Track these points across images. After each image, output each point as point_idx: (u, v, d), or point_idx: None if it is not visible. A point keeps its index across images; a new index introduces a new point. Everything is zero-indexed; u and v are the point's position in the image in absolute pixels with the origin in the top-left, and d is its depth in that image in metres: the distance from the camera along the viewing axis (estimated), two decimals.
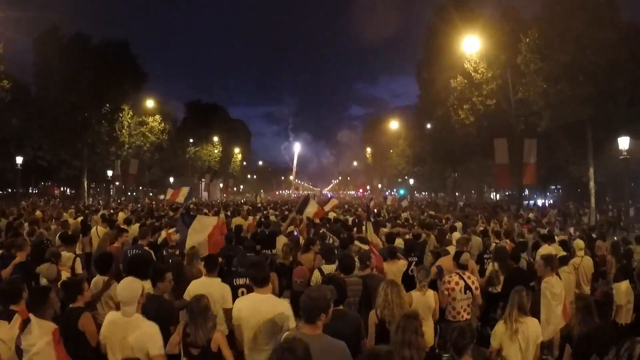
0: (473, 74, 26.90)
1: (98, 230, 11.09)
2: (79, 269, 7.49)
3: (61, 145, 36.76)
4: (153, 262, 6.51)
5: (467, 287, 6.38)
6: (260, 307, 4.35)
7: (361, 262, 6.59)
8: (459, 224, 14.67)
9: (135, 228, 10.73)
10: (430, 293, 6.06)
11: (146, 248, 8.30)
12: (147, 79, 43.30)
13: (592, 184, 21.84)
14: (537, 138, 24.95)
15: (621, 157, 18.46)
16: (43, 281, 6.13)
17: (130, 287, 4.26)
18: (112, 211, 18.58)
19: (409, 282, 6.90)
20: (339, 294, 4.37)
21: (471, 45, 26.38)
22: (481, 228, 13.56)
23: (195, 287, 5.54)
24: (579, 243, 8.86)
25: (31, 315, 4.19)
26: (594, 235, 12.47)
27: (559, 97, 19.79)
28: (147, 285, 5.04)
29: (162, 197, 29.19)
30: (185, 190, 18.96)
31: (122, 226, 10.72)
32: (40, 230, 11.45)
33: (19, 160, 29.97)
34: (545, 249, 8.84)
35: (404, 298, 4.97)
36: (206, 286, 5.50)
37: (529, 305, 5.13)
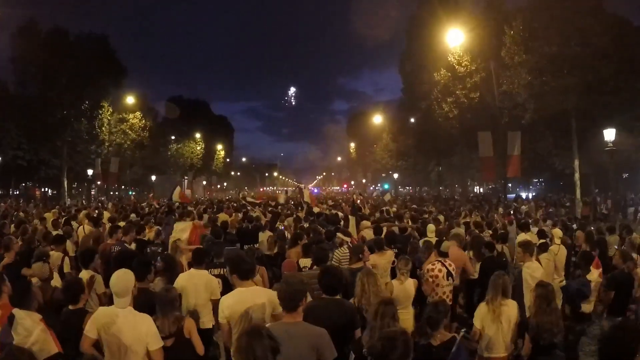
0: (457, 67, 26.81)
1: (85, 229, 11.07)
2: (67, 268, 7.42)
3: (40, 143, 35.85)
4: (137, 257, 6.45)
5: (449, 274, 6.76)
6: (250, 299, 4.32)
7: (354, 254, 6.74)
8: (441, 217, 14.86)
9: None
10: (410, 282, 6.36)
11: (127, 245, 8.30)
12: (127, 75, 42.36)
13: (577, 175, 21.87)
14: (520, 130, 24.93)
15: (606, 148, 18.43)
16: (33, 280, 5.86)
17: (125, 277, 4.22)
18: (96, 210, 18.36)
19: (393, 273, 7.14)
20: (337, 283, 4.52)
21: (455, 37, 26.22)
22: (464, 220, 13.77)
23: (183, 279, 5.67)
24: (557, 232, 9.37)
25: (16, 310, 4.14)
26: (574, 226, 12.75)
27: (543, 88, 19.75)
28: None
29: (151, 195, 28.51)
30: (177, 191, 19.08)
31: (106, 224, 11.26)
32: (30, 228, 11.27)
33: None
34: (521, 237, 9.23)
35: (379, 287, 5.08)
36: (194, 278, 5.69)
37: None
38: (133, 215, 14.51)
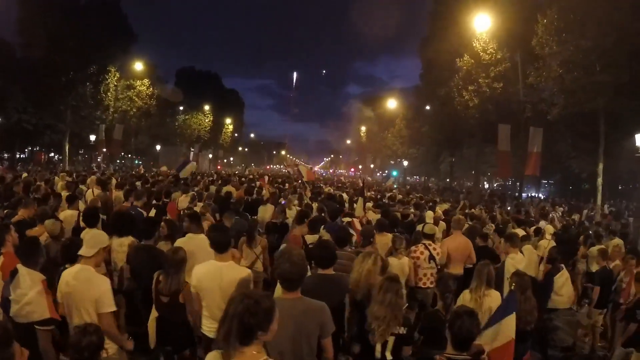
0: (481, 54, 25.32)
1: (94, 192, 11.34)
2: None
3: (44, 107, 34.85)
4: (135, 220, 6.65)
5: (432, 257, 7.02)
6: (221, 274, 4.32)
7: (364, 238, 6.75)
8: (445, 205, 15.31)
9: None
10: (405, 260, 6.71)
11: (139, 209, 8.63)
12: (137, 41, 41.22)
13: (599, 180, 20.49)
14: (542, 127, 23.60)
15: (637, 154, 17.12)
16: (42, 237, 5.91)
17: (96, 234, 4.51)
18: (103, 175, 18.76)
19: None
20: (329, 257, 4.54)
21: (481, 23, 24.73)
22: (462, 212, 13.50)
23: (182, 242, 5.77)
24: (549, 228, 10.10)
25: (20, 266, 4.20)
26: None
27: (574, 84, 18.33)
28: (128, 241, 5.87)
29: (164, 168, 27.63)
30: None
31: (113, 190, 11.69)
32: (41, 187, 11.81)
33: None
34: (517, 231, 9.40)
35: (376, 267, 4.88)
36: (192, 240, 5.80)
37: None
38: (138, 183, 14.65)
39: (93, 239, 4.31)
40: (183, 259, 4.71)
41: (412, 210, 12.53)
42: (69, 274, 4.10)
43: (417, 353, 4.62)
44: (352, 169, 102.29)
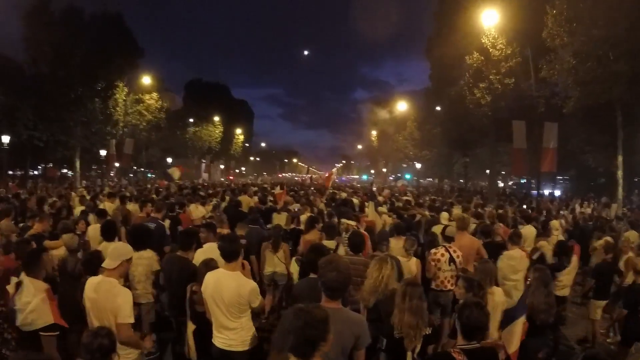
0: (491, 50, 24.75)
1: (106, 206, 11.36)
2: None
3: (52, 123, 34.93)
4: (152, 233, 7.06)
5: (452, 260, 6.90)
6: (226, 283, 4.35)
7: (379, 242, 7.20)
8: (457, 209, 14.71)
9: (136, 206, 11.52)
10: (413, 260, 6.91)
11: (160, 221, 8.73)
12: (144, 55, 41.31)
13: (620, 173, 19.72)
14: (557, 121, 22.97)
15: None
16: (56, 252, 6.32)
17: (122, 247, 4.67)
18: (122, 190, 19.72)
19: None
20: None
21: (489, 18, 24.18)
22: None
23: (201, 252, 6.01)
24: (555, 224, 10.27)
25: (24, 276, 4.45)
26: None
27: (588, 75, 17.66)
28: (147, 254, 6.02)
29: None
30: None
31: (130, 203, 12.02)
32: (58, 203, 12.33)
33: (6, 139, 29.58)
34: (523, 229, 9.67)
35: (390, 273, 4.86)
36: (211, 249, 5.79)
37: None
38: (154, 196, 15.06)
39: (116, 250, 4.47)
40: (214, 267, 4.80)
41: (427, 212, 12.59)
42: (91, 285, 4.25)
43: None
44: (328, 174, 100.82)
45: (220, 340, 4.42)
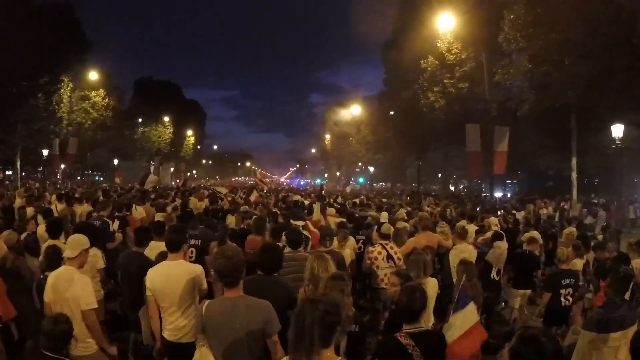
0: (446, 54, 25.04)
1: (57, 208, 11.47)
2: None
3: None
4: (96, 230, 7.16)
5: (390, 257, 7.04)
6: (173, 272, 4.36)
7: (322, 238, 6.84)
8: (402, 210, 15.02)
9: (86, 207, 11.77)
10: (347, 252, 7.35)
11: (105, 219, 8.80)
12: (92, 49, 39.36)
13: (574, 175, 20.24)
14: (510, 125, 23.44)
15: (614, 145, 16.85)
16: None
17: (79, 237, 4.69)
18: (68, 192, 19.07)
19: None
20: (273, 261, 4.54)
21: (445, 22, 24.44)
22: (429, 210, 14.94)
23: (148, 250, 6.06)
24: (493, 220, 11.41)
25: None
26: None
27: (545, 79, 17.98)
28: (92, 252, 5.42)
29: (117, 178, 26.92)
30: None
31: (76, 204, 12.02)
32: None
33: None
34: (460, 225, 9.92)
35: (332, 272, 4.66)
36: (159, 247, 5.75)
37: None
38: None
39: (75, 241, 4.59)
40: None
41: (374, 213, 13.08)
42: (53, 276, 4.39)
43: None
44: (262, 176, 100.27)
45: (171, 332, 4.39)
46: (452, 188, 56.95)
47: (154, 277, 4.40)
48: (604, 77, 17.72)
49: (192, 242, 7.18)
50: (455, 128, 27.00)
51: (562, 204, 24.08)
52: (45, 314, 4.26)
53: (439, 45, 25.18)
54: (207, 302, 3.59)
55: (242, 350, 3.37)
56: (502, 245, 8.27)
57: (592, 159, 21.58)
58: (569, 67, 17.51)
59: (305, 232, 7.54)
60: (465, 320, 4.28)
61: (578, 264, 7.69)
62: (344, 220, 10.13)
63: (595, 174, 36.77)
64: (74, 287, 4.25)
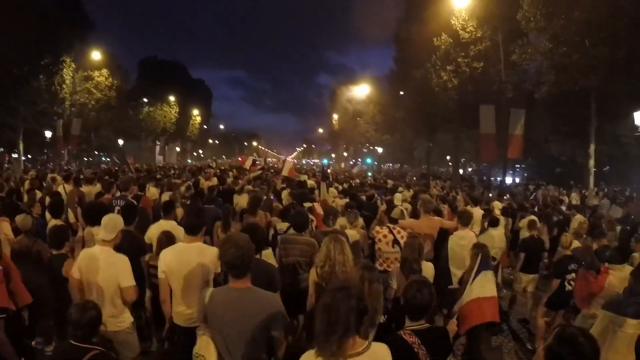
0: (460, 32, 23.96)
1: (65, 189, 11.43)
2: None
3: None
4: (108, 210, 6.49)
5: (396, 242, 6.74)
6: (188, 256, 4.24)
7: (326, 217, 6.86)
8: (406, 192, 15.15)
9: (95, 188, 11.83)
10: (353, 231, 7.07)
11: (130, 199, 8.75)
12: (94, 29, 38.59)
13: (591, 162, 19.24)
14: (525, 108, 22.52)
15: (636, 134, 15.96)
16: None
17: (115, 219, 4.72)
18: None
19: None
20: (260, 242, 4.59)
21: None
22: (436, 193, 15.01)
23: (155, 227, 6.36)
24: (497, 204, 11.81)
25: None
26: None
27: (564, 60, 16.91)
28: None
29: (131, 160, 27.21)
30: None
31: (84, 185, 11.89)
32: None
33: None
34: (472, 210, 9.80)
35: (347, 255, 4.57)
36: (162, 227, 6.06)
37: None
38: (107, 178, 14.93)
39: (111, 223, 4.59)
40: (173, 238, 5.24)
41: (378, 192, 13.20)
42: (87, 256, 4.43)
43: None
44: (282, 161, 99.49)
45: (185, 317, 4.29)
46: (461, 171, 56.15)
47: (170, 259, 4.29)
48: (626, 62, 16.62)
49: None
50: (467, 110, 26.10)
51: (584, 192, 23.39)
52: (73, 293, 4.47)
53: (453, 22, 24.09)
54: (210, 290, 3.48)
55: (246, 342, 3.26)
56: (494, 232, 8.43)
57: (606, 147, 20.56)
58: (590, 50, 16.40)
59: (310, 216, 7.48)
60: (484, 284, 4.49)
61: (575, 244, 7.84)
62: (350, 201, 10.20)
63: (608, 162, 35.84)
64: (112, 266, 4.37)
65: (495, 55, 24.01)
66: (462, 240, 7.02)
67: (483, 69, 24.16)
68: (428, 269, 5.38)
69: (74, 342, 3.37)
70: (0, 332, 4.31)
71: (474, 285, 4.64)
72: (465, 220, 7.51)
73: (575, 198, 20.81)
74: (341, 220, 7.42)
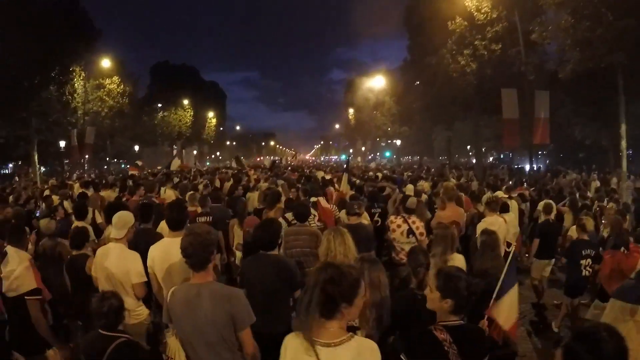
0: (475, 13, 22.85)
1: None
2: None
3: (8, 118, 32.05)
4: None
5: (410, 232, 6.66)
6: (171, 250, 4.22)
7: (349, 211, 6.76)
8: (426, 184, 14.98)
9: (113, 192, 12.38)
10: (366, 222, 7.29)
11: (155, 200, 9.34)
12: (101, 37, 38.31)
13: (623, 143, 17.91)
14: (549, 90, 21.31)
15: None
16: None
17: (124, 214, 4.95)
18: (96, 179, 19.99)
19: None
20: (270, 237, 4.42)
21: None
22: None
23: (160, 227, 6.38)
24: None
25: (9, 247, 4.79)
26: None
27: (587, 36, 15.71)
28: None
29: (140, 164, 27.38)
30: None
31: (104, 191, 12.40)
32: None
33: None
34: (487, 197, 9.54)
35: (349, 246, 4.51)
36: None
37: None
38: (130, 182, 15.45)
39: (120, 221, 4.80)
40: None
41: (389, 184, 13.31)
42: (102, 253, 4.72)
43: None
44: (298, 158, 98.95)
45: None
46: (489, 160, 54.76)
47: (154, 254, 4.44)
48: None
49: (202, 219, 7.76)
50: (487, 95, 24.95)
51: (608, 177, 22.23)
52: (92, 291, 4.54)
53: (467, 4, 23.00)
54: (173, 288, 3.32)
55: (206, 343, 3.08)
56: (506, 217, 8.11)
57: (629, 128, 19.30)
58: (615, 23, 15.15)
59: (313, 211, 7.45)
60: (512, 304, 4.09)
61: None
62: (354, 193, 10.48)
63: (632, 144, 34.46)
64: (124, 262, 4.55)
65: (513, 36, 22.83)
66: (492, 227, 6.69)
67: (502, 51, 23.00)
68: (458, 261, 5.02)
69: (102, 332, 3.50)
70: (38, 312, 4.56)
71: (505, 301, 4.08)
72: (493, 207, 7.53)
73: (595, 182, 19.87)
74: (342, 213, 7.80)
